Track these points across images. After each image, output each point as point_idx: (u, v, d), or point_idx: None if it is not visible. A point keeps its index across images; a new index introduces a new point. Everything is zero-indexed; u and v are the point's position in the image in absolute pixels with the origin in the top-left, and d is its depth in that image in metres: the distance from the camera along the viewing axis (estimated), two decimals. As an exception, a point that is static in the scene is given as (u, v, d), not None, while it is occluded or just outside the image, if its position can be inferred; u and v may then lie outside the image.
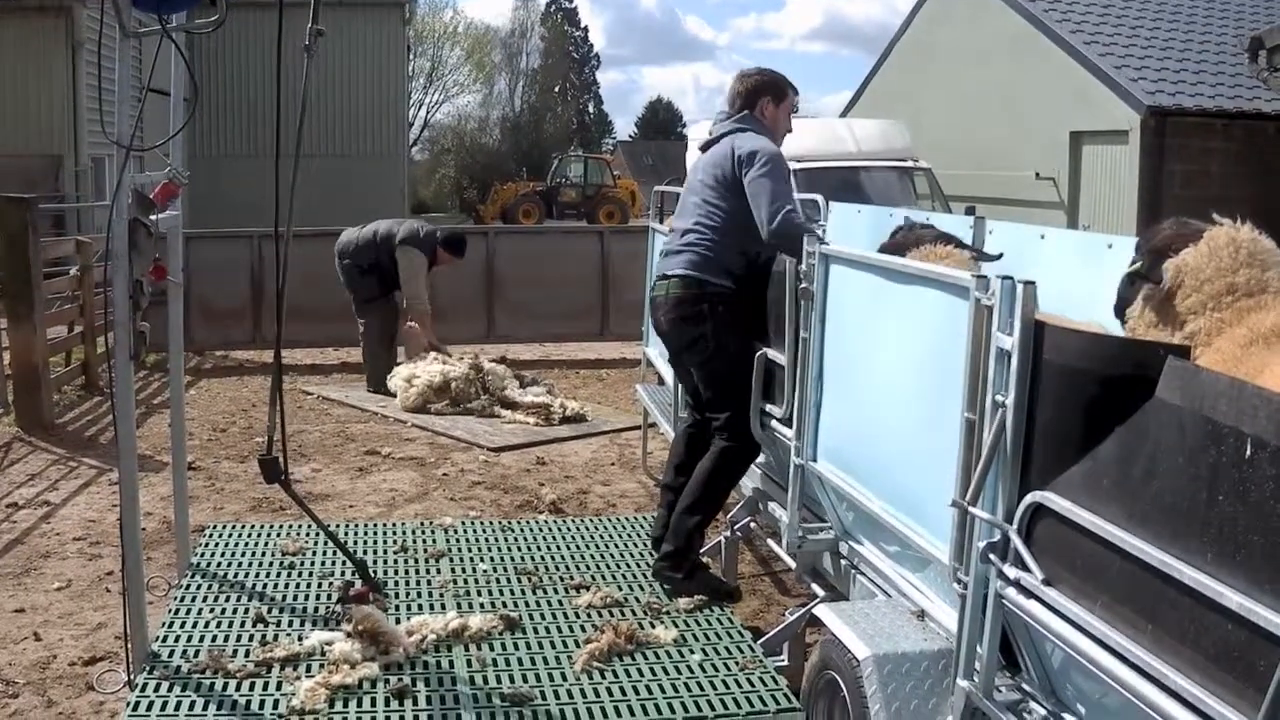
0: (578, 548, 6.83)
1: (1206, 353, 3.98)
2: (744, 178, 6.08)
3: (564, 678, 5.04)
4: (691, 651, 5.32)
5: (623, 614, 5.74)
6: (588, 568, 6.44)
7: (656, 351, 9.50)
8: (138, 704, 4.72)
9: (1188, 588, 2.95)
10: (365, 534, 7.09)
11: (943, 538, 4.30)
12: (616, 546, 6.80)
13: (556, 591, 6.08)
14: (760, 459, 6.48)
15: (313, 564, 6.48)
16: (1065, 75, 21.61)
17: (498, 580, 6.27)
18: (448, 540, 6.96)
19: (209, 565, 6.39)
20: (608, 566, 6.47)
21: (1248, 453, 2.84)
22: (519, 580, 6.26)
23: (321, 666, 5.03)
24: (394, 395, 12.75)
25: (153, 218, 5.18)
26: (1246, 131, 20.65)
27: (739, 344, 6.20)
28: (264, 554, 6.61)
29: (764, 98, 6.44)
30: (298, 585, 6.16)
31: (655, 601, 5.91)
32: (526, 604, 5.91)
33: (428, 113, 68.13)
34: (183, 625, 5.54)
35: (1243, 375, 3.42)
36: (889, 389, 4.96)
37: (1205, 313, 4.22)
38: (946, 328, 4.29)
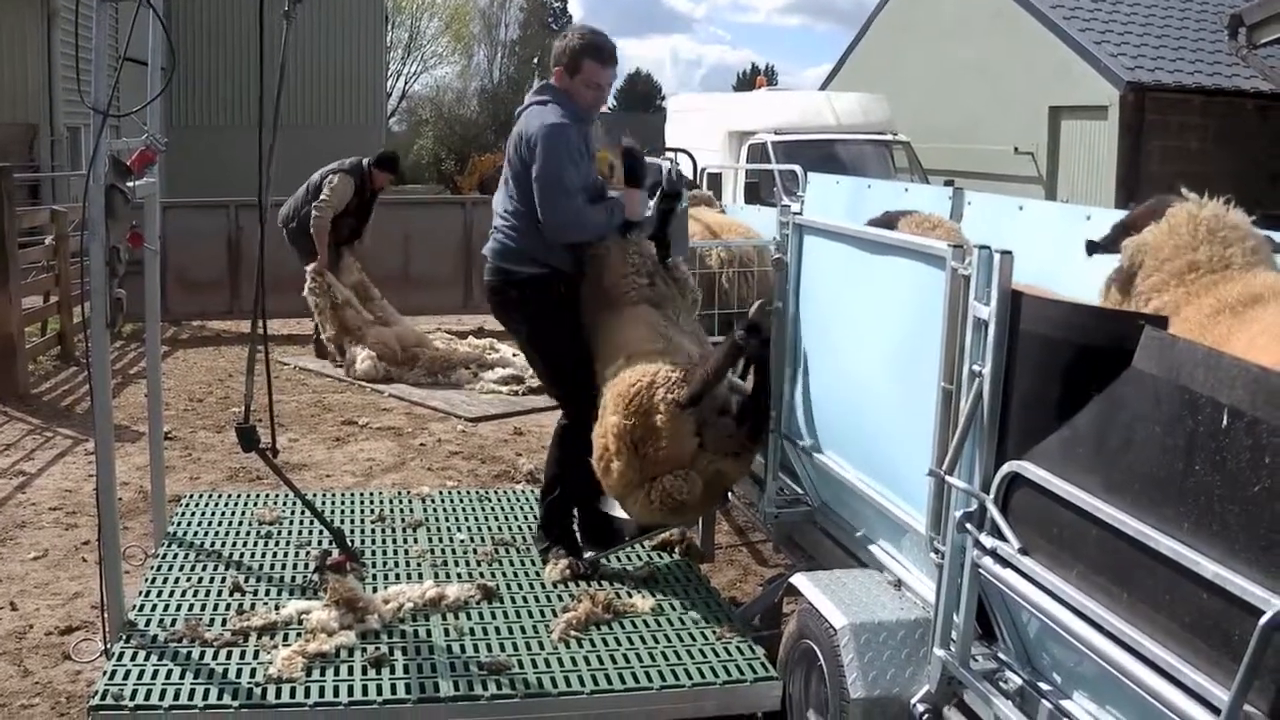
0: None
1: (1175, 324, 3.99)
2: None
3: (541, 646, 5.05)
4: (669, 621, 5.33)
5: (600, 584, 5.74)
6: (565, 538, 6.44)
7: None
8: (114, 673, 4.71)
9: (1164, 557, 2.96)
10: (342, 503, 7.08)
11: (919, 507, 4.32)
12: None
13: (534, 561, 6.08)
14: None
15: (290, 533, 6.47)
16: (1045, 50, 21.59)
17: (475, 549, 6.27)
18: (425, 510, 6.96)
19: (185, 534, 6.38)
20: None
21: (1224, 422, 2.85)
22: (496, 549, 6.26)
23: (298, 635, 5.03)
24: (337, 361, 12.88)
25: (130, 184, 5.14)
26: (1225, 108, 20.68)
27: (558, 327, 6.04)
28: (240, 523, 6.60)
29: (559, 66, 6.10)
30: (274, 554, 6.16)
31: (632, 569, 5.91)
32: (504, 573, 5.92)
33: (405, 84, 67.79)
34: (159, 594, 5.53)
35: (1210, 344, 3.43)
36: (865, 359, 4.97)
37: (1170, 289, 4.24)
38: (923, 298, 4.30)
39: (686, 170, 11.93)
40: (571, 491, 6.18)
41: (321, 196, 12.91)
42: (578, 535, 6.20)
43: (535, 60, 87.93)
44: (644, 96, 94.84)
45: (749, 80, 63.86)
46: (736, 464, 5.64)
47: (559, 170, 5.80)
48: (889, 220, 5.92)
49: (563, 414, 6.24)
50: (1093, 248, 4.65)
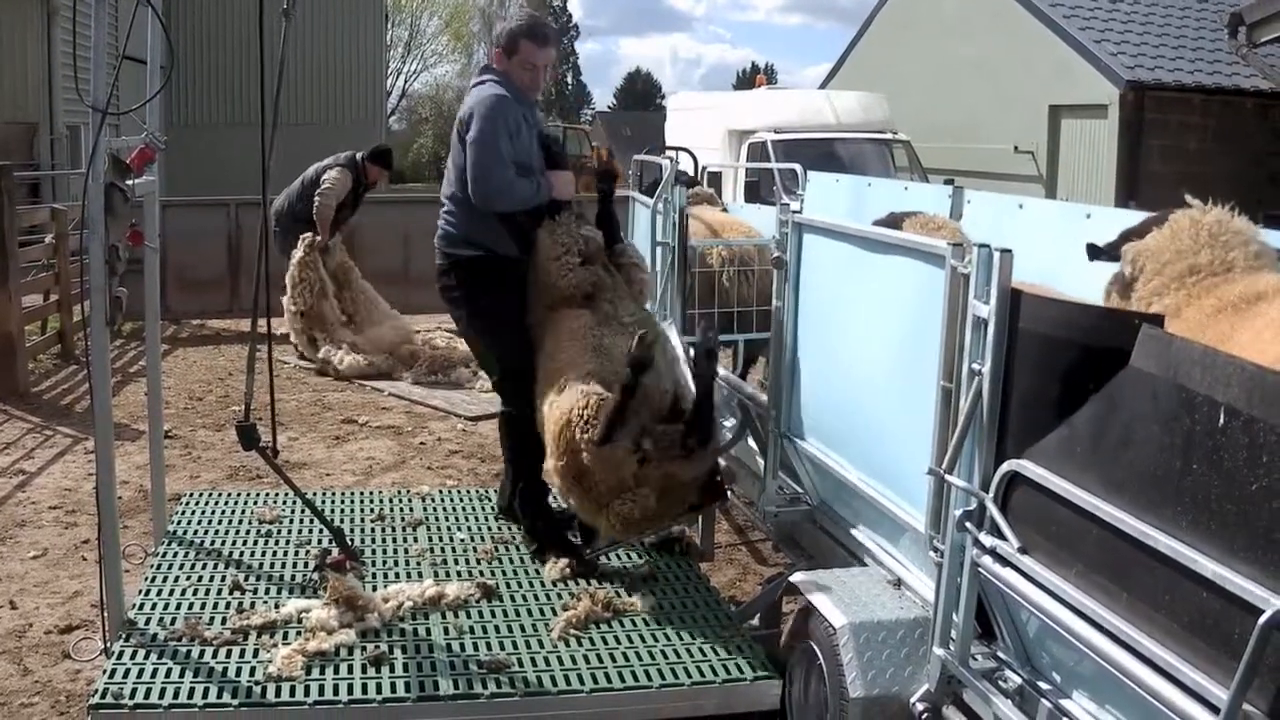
0: (555, 517, 6.82)
1: (1174, 323, 3.99)
2: None
3: (541, 645, 5.05)
4: (668, 619, 5.33)
5: (600, 582, 5.74)
6: (565, 537, 6.44)
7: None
8: (114, 671, 4.71)
9: (1163, 555, 2.96)
10: (342, 502, 7.07)
11: (919, 506, 4.32)
12: (594, 516, 6.79)
13: (533, 560, 6.08)
14: (735, 429, 6.49)
15: (289, 532, 6.47)
16: (1045, 49, 21.59)
17: (474, 548, 6.27)
18: (425, 508, 6.96)
19: (185, 533, 6.38)
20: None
21: (1221, 421, 2.86)
22: (496, 548, 6.26)
23: (298, 634, 5.03)
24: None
25: (129, 183, 5.14)
26: (1225, 107, 20.68)
27: (496, 310, 6.13)
28: (240, 522, 6.60)
29: (498, 48, 6.24)
30: (274, 553, 6.15)
31: (632, 569, 5.91)
32: (503, 572, 5.91)
33: (405, 82, 67.82)
34: (159, 593, 5.53)
35: (1209, 342, 3.43)
36: (865, 358, 4.97)
37: (1170, 293, 4.24)
38: (923, 296, 4.30)
39: (688, 168, 11.90)
40: (534, 479, 6.22)
41: (324, 187, 12.94)
42: (571, 532, 6.21)
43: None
44: (644, 95, 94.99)
45: (749, 79, 63.93)
46: (689, 464, 5.54)
47: (493, 138, 5.91)
48: (894, 221, 5.92)
49: (502, 401, 6.35)
50: (1095, 253, 4.65)
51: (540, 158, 6.17)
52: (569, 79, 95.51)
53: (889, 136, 19.02)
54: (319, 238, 12.85)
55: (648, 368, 5.40)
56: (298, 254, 12.81)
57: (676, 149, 13.99)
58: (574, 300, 5.96)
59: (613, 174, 6.12)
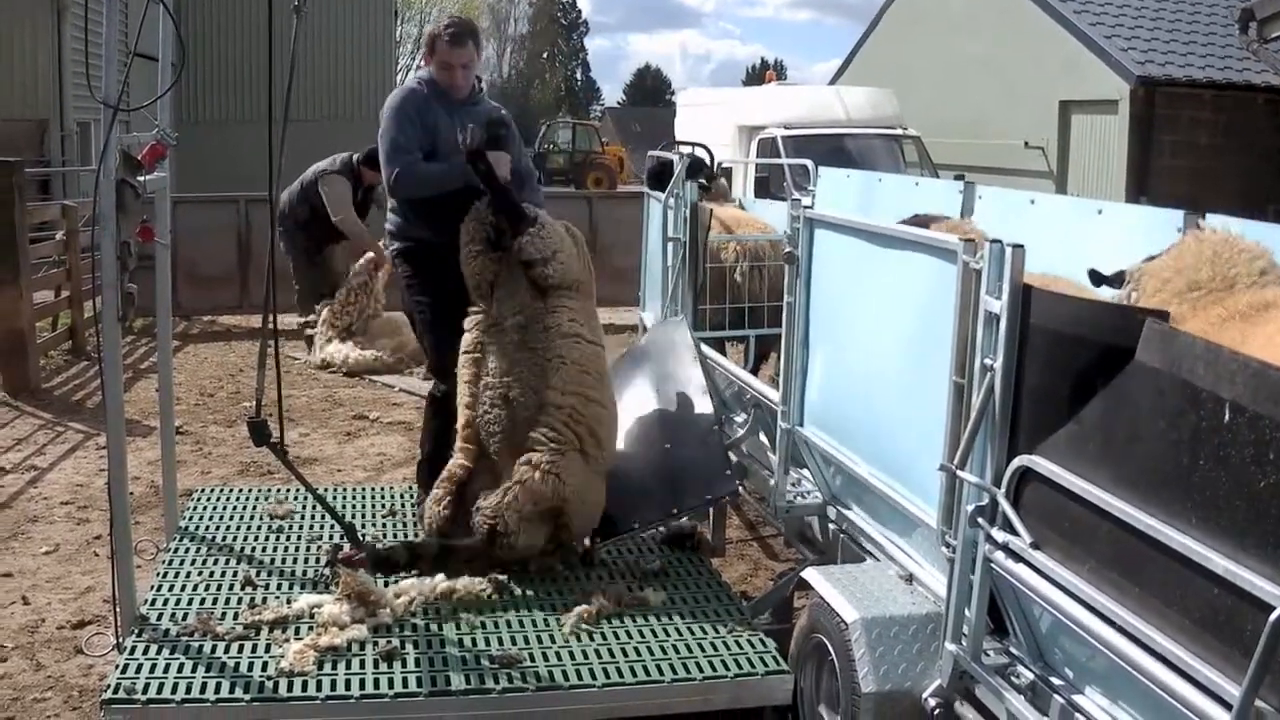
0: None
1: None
2: None
3: (553, 640, 5.04)
4: (680, 614, 5.33)
5: (611, 577, 5.74)
6: (576, 532, 6.44)
7: (651, 316, 9.48)
8: (126, 666, 4.72)
9: (1174, 552, 2.96)
10: (354, 498, 7.08)
11: (931, 502, 4.32)
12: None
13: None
14: (748, 424, 6.49)
15: (301, 527, 6.47)
16: (1055, 44, 21.56)
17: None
18: (436, 504, 6.95)
19: (197, 529, 6.39)
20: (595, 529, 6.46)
21: (1226, 417, 2.85)
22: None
23: (310, 629, 5.04)
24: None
25: (140, 179, 5.15)
26: (1235, 102, 20.64)
27: (425, 297, 6.37)
28: (252, 517, 6.60)
29: (425, 52, 6.50)
30: (286, 548, 6.16)
31: (643, 564, 5.91)
32: (514, 567, 5.90)
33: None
34: (171, 588, 5.54)
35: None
36: (876, 353, 4.97)
37: (1172, 307, 4.22)
38: (934, 292, 4.30)
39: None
40: (434, 460, 6.31)
41: (330, 208, 12.97)
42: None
43: (544, 56, 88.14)
44: (653, 91, 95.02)
45: (758, 75, 63.84)
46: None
47: (392, 129, 6.16)
48: (920, 224, 5.88)
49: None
50: (1098, 279, 4.63)
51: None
52: (578, 75, 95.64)
53: (899, 132, 19.01)
54: (377, 257, 12.84)
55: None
56: (357, 277, 12.92)
57: (693, 145, 13.98)
58: (480, 292, 5.91)
59: (480, 153, 5.82)
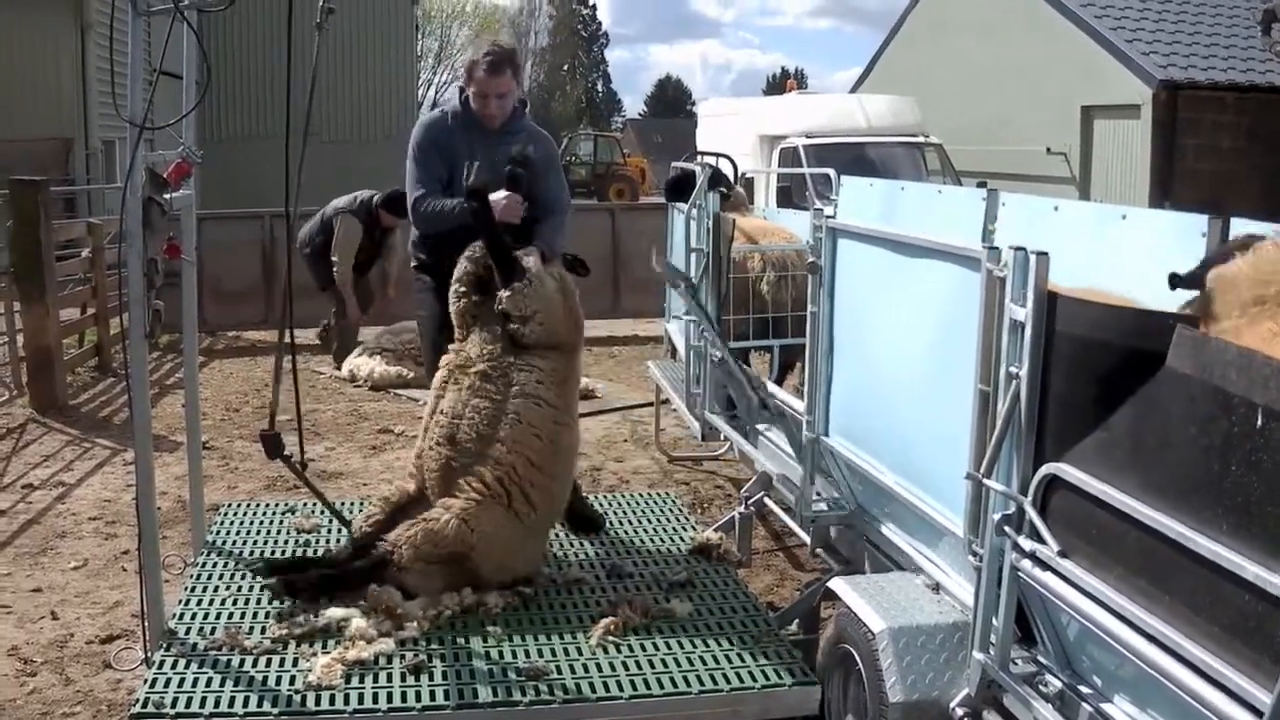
0: (591, 524, 6.82)
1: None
2: None
3: (579, 652, 5.04)
4: (707, 626, 5.32)
5: (638, 589, 5.74)
6: (601, 544, 6.44)
7: (676, 327, 9.49)
8: (155, 681, 4.73)
9: (1203, 558, 2.94)
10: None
11: (957, 510, 4.31)
12: (630, 523, 6.79)
13: (571, 567, 6.08)
14: (772, 434, 6.49)
15: (327, 541, 6.48)
16: (1076, 49, 21.53)
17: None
18: (461, 517, 6.95)
19: (224, 543, 6.40)
20: (621, 542, 6.47)
21: (1259, 422, 2.84)
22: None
23: (338, 642, 5.04)
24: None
25: (166, 197, 5.18)
26: (1258, 105, 20.58)
27: (422, 310, 6.60)
28: (278, 532, 6.62)
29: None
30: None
31: (669, 575, 5.90)
32: (541, 579, 5.91)
33: (436, 92, 68.05)
34: (199, 603, 5.55)
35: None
36: (901, 362, 4.96)
37: (1230, 318, 4.16)
38: (958, 300, 4.29)
39: (728, 174, 11.93)
40: None
41: (333, 246, 13.21)
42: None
43: (565, 68, 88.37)
44: (674, 102, 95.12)
45: (779, 84, 63.85)
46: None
47: (411, 162, 6.33)
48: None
49: None
50: (1177, 281, 4.48)
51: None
52: (599, 87, 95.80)
53: (921, 140, 19.00)
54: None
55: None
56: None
57: (716, 155, 14.00)
58: (461, 328, 5.85)
59: (478, 193, 5.75)
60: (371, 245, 13.45)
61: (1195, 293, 4.30)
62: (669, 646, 5.11)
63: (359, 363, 13.11)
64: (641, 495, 7.51)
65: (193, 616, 5.38)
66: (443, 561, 5.41)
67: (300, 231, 13.30)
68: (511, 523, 5.53)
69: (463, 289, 5.81)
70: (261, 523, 6.78)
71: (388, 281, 13.77)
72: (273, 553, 6.24)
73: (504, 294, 5.63)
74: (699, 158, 13.22)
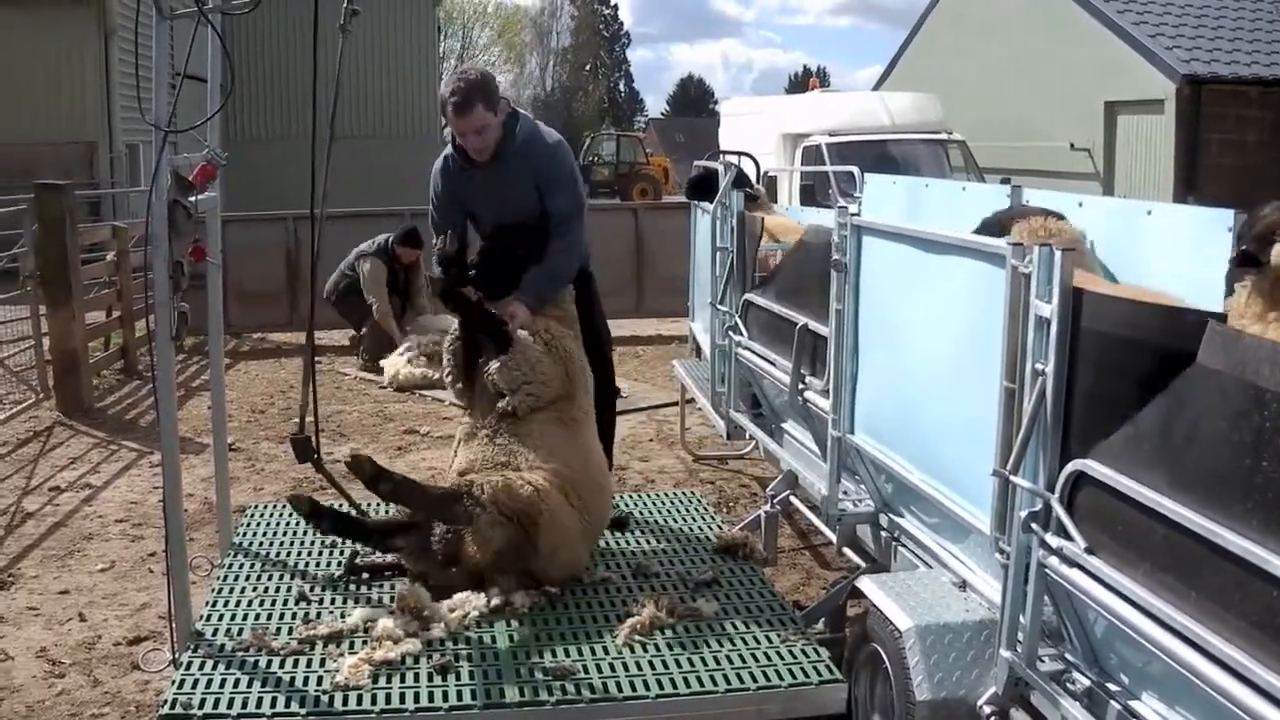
0: (617, 523, 6.82)
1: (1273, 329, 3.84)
2: None
3: (606, 651, 5.04)
4: (733, 624, 5.32)
5: (664, 588, 5.74)
6: (627, 543, 6.44)
7: (701, 326, 9.49)
8: (183, 682, 4.75)
9: (1232, 554, 2.93)
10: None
11: (983, 508, 4.29)
12: (656, 522, 6.79)
13: (598, 566, 6.08)
14: (797, 432, 6.48)
15: (354, 543, 6.49)
16: (1099, 45, 21.46)
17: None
18: (487, 518, 6.96)
19: (250, 545, 6.42)
20: (648, 541, 6.47)
21: (1292, 418, 2.83)
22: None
23: (365, 643, 5.06)
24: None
25: (191, 199, 5.20)
26: (1283, 98, 20.49)
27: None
28: (305, 533, 6.62)
29: None
30: (339, 564, 6.18)
31: (696, 574, 5.90)
32: (568, 579, 5.91)
33: (458, 94, 68.11)
34: (226, 604, 5.57)
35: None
36: (926, 359, 4.95)
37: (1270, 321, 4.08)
38: (984, 297, 4.28)
39: (750, 173, 11.93)
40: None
41: (364, 288, 13.89)
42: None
43: (587, 68, 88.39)
44: (696, 101, 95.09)
45: (801, 82, 63.76)
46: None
47: (430, 207, 6.62)
48: (1000, 222, 5.71)
49: None
50: (1244, 258, 4.27)
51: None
52: (621, 87, 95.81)
53: (944, 137, 18.97)
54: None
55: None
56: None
57: (738, 154, 14.00)
58: (461, 400, 6.23)
59: (450, 260, 5.90)
60: (399, 287, 14.13)
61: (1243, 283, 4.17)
62: (695, 645, 5.10)
63: (385, 362, 13.25)
64: (667, 494, 7.51)
65: (220, 618, 5.40)
66: (512, 518, 5.49)
67: (328, 283, 13.95)
68: (571, 516, 5.67)
69: (449, 377, 6.14)
70: (288, 524, 6.79)
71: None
72: (299, 555, 6.26)
73: (491, 370, 5.82)
74: (721, 157, 13.19)
